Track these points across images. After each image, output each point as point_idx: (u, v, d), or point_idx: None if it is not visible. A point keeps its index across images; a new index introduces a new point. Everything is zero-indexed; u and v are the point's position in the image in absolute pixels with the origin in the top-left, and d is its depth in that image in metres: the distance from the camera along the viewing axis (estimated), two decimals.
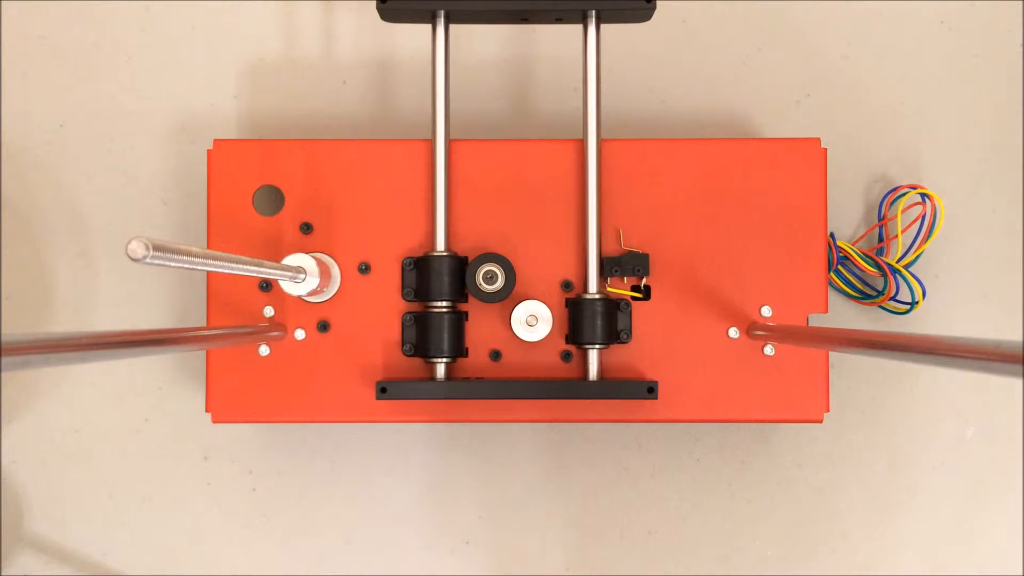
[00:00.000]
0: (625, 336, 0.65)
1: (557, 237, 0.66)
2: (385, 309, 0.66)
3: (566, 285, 0.66)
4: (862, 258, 0.72)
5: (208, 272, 0.66)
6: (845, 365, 0.75)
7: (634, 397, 0.63)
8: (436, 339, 0.64)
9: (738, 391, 0.66)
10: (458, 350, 0.65)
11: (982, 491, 0.75)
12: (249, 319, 0.66)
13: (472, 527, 0.75)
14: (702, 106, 0.76)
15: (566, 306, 0.66)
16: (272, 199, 0.67)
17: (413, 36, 0.77)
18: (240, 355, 0.66)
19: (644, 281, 0.66)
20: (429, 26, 0.64)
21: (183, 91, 0.77)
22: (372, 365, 0.66)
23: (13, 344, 0.34)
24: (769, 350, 0.66)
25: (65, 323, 0.76)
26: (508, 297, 0.64)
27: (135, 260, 0.39)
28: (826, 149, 0.66)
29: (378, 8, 0.62)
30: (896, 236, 0.72)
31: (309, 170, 0.67)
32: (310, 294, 0.64)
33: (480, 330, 0.66)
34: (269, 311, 0.66)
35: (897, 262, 0.72)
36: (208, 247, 0.67)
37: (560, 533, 0.75)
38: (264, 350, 0.66)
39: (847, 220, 0.76)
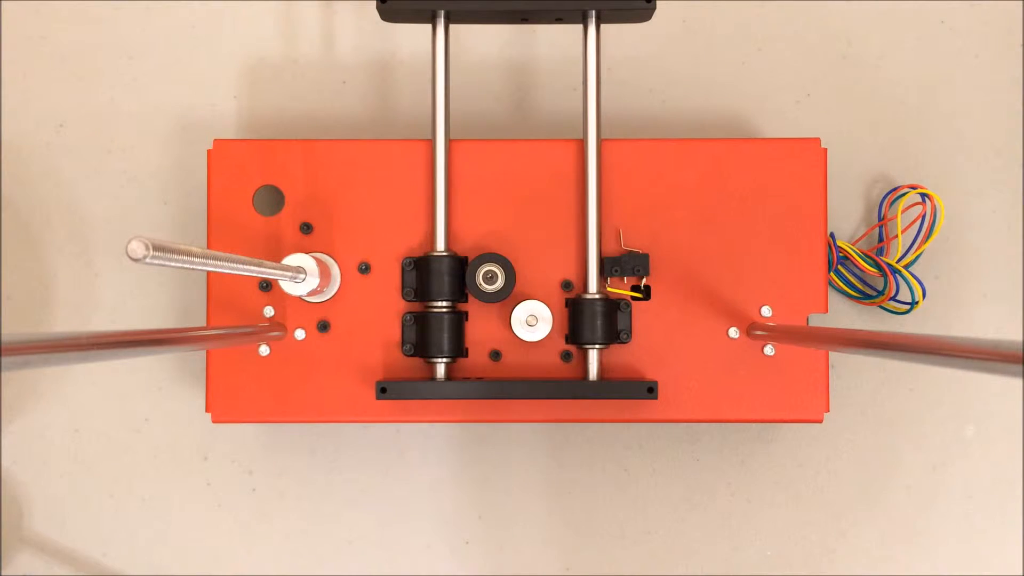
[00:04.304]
0: (625, 336, 0.65)
1: (557, 237, 0.66)
2: (385, 309, 0.66)
3: (566, 285, 0.66)
4: (862, 258, 0.72)
5: (208, 272, 0.66)
6: (845, 365, 0.75)
7: (634, 397, 0.63)
8: (436, 339, 0.64)
9: (738, 391, 0.66)
10: (458, 350, 0.65)
11: (982, 491, 0.75)
12: (249, 319, 0.66)
13: (472, 527, 0.75)
14: (702, 106, 0.76)
15: (566, 306, 0.66)
16: (272, 199, 0.67)
17: (413, 36, 0.77)
18: (240, 355, 0.66)
19: (644, 281, 0.66)
20: (429, 26, 0.64)
21: (183, 91, 0.77)
22: (372, 365, 0.66)
23: (13, 344, 0.34)
24: (769, 350, 0.66)
25: (65, 323, 0.76)
26: (508, 297, 0.64)
27: (135, 260, 0.39)
28: (826, 149, 0.66)
29: (378, 8, 0.62)
30: (896, 236, 0.72)
31: (309, 170, 0.67)
32: (310, 294, 0.64)
33: (480, 330, 0.66)
34: (269, 311, 0.66)
35: (897, 262, 0.72)
36: (208, 247, 0.67)
37: (560, 533, 0.75)
38: (264, 350, 0.66)
39: (847, 220, 0.76)
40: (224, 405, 0.66)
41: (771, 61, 0.76)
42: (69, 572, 0.76)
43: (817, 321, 0.68)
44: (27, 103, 0.77)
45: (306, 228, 0.66)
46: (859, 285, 0.74)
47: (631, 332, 0.66)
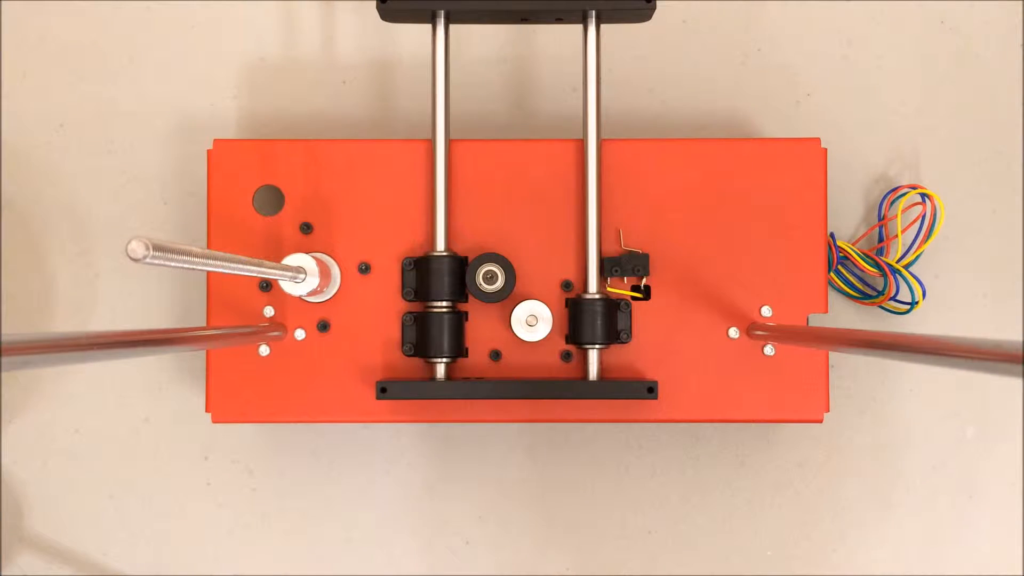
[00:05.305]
0: (625, 336, 0.65)
1: (557, 237, 0.66)
2: (385, 309, 0.66)
3: (566, 285, 0.66)
4: (862, 258, 0.72)
5: (208, 272, 0.66)
6: (845, 365, 0.75)
7: (634, 397, 0.63)
8: (436, 339, 0.64)
9: (738, 391, 0.66)
10: (458, 350, 0.65)
11: (982, 491, 0.75)
12: (249, 319, 0.66)
13: (472, 527, 0.75)
14: (702, 106, 0.76)
15: (566, 306, 0.66)
16: (272, 199, 0.67)
17: (413, 36, 0.77)
18: (240, 355, 0.66)
19: (644, 281, 0.66)
20: (429, 26, 0.64)
21: (183, 91, 0.77)
22: (372, 365, 0.66)
23: (13, 344, 0.34)
24: (769, 350, 0.66)
25: (65, 323, 0.76)
26: (508, 297, 0.64)
27: (135, 260, 0.39)
28: (826, 149, 0.66)
29: (378, 8, 0.62)
30: (896, 236, 0.72)
31: (309, 170, 0.67)
32: (310, 294, 0.64)
33: (480, 330, 0.66)
34: (269, 311, 0.66)
35: (897, 262, 0.72)
36: (208, 247, 0.67)
37: (560, 533, 0.75)
38: (264, 350, 0.66)
39: (847, 220, 0.76)
40: (224, 405, 0.66)
41: (771, 61, 0.76)
42: (69, 572, 0.76)
43: (817, 321, 0.68)
44: (27, 103, 0.77)
45: (306, 228, 0.66)
46: (859, 285, 0.74)
47: (631, 332, 0.66)
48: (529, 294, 0.66)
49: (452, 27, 0.67)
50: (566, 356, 0.66)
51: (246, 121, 0.77)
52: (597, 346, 0.64)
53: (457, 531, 0.75)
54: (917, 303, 0.72)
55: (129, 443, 0.76)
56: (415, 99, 0.77)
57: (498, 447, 0.75)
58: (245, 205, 0.67)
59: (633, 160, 0.66)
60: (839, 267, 0.73)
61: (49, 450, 0.76)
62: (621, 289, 0.66)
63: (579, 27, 0.65)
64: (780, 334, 0.62)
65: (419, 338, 0.65)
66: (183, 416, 0.76)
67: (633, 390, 0.63)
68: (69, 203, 0.77)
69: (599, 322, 0.64)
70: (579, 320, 0.64)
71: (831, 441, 0.75)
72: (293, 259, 0.62)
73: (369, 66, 0.77)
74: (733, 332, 0.66)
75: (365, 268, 0.66)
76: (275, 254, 0.66)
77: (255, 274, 0.54)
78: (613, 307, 0.65)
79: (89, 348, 0.39)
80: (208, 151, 0.67)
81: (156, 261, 0.40)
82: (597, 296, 0.64)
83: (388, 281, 0.66)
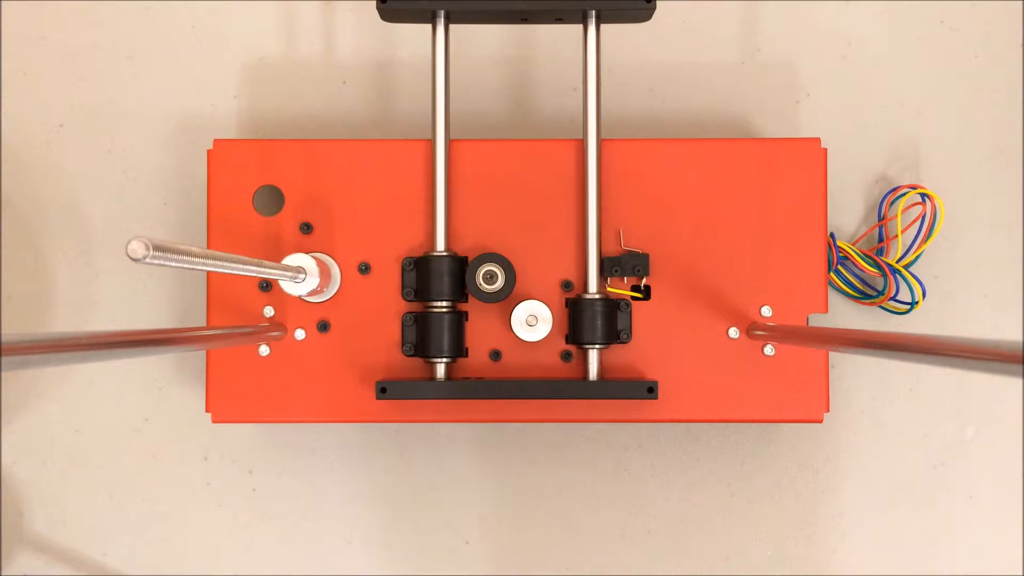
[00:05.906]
0: (625, 336, 0.65)
1: (557, 237, 0.66)
2: (385, 309, 0.66)
3: (566, 285, 0.66)
4: (862, 258, 0.72)
5: (208, 272, 0.66)
6: (845, 365, 0.75)
7: (634, 397, 0.63)
8: (436, 339, 0.64)
9: (738, 391, 0.66)
10: (458, 350, 0.65)
11: (982, 491, 0.75)
12: (249, 319, 0.66)
13: (472, 527, 0.75)
14: (702, 106, 0.76)
15: (566, 306, 0.66)
16: (272, 199, 0.67)
17: (413, 36, 0.77)
18: (240, 355, 0.66)
19: (644, 281, 0.66)
20: (429, 26, 0.64)
21: (183, 91, 0.77)
22: (372, 365, 0.66)
23: (13, 344, 0.34)
24: (769, 350, 0.66)
25: (65, 323, 0.76)
26: (508, 297, 0.64)
27: (135, 260, 0.39)
28: (826, 149, 0.66)
29: (378, 8, 0.62)
30: (896, 236, 0.72)
31: (309, 170, 0.67)
32: (310, 294, 0.64)
33: (480, 330, 0.66)
34: (269, 311, 0.66)
35: (897, 262, 0.72)
36: (208, 247, 0.67)
37: (560, 533, 0.75)
38: (264, 350, 0.66)
39: (847, 220, 0.76)
40: (224, 405, 0.66)
41: (771, 61, 0.76)
42: (69, 572, 0.76)
43: (817, 321, 0.68)
44: (27, 103, 0.77)
45: (306, 228, 0.66)
46: (859, 285, 0.74)
47: (631, 332, 0.66)
48: (529, 294, 0.66)
49: (452, 27, 0.67)
50: (566, 356, 0.66)
51: (246, 121, 0.77)
52: (597, 346, 0.64)
53: (457, 531, 0.75)
54: (917, 303, 0.72)
55: (129, 443, 0.76)
56: (415, 99, 0.77)
57: (497, 447, 0.75)
58: (245, 205, 0.67)
59: (633, 160, 0.66)
60: (839, 267, 0.73)
61: (49, 450, 0.76)
62: (621, 289, 0.66)
63: (579, 27, 0.65)
64: (780, 334, 0.62)
65: (419, 338, 0.65)
66: (183, 416, 0.76)
67: (633, 390, 0.63)
68: (69, 203, 0.77)
69: (599, 322, 0.64)
70: (579, 320, 0.64)
71: (831, 441, 0.75)
72: (293, 259, 0.62)
73: (369, 66, 0.77)
74: (733, 332, 0.66)
75: (365, 268, 0.66)
76: (275, 254, 0.66)
77: (255, 274, 0.54)
78: (613, 307, 0.65)
79: (89, 348, 0.39)
80: (208, 151, 0.67)
81: (156, 261, 0.40)
82: (597, 296, 0.64)
83: (388, 281, 0.66)
